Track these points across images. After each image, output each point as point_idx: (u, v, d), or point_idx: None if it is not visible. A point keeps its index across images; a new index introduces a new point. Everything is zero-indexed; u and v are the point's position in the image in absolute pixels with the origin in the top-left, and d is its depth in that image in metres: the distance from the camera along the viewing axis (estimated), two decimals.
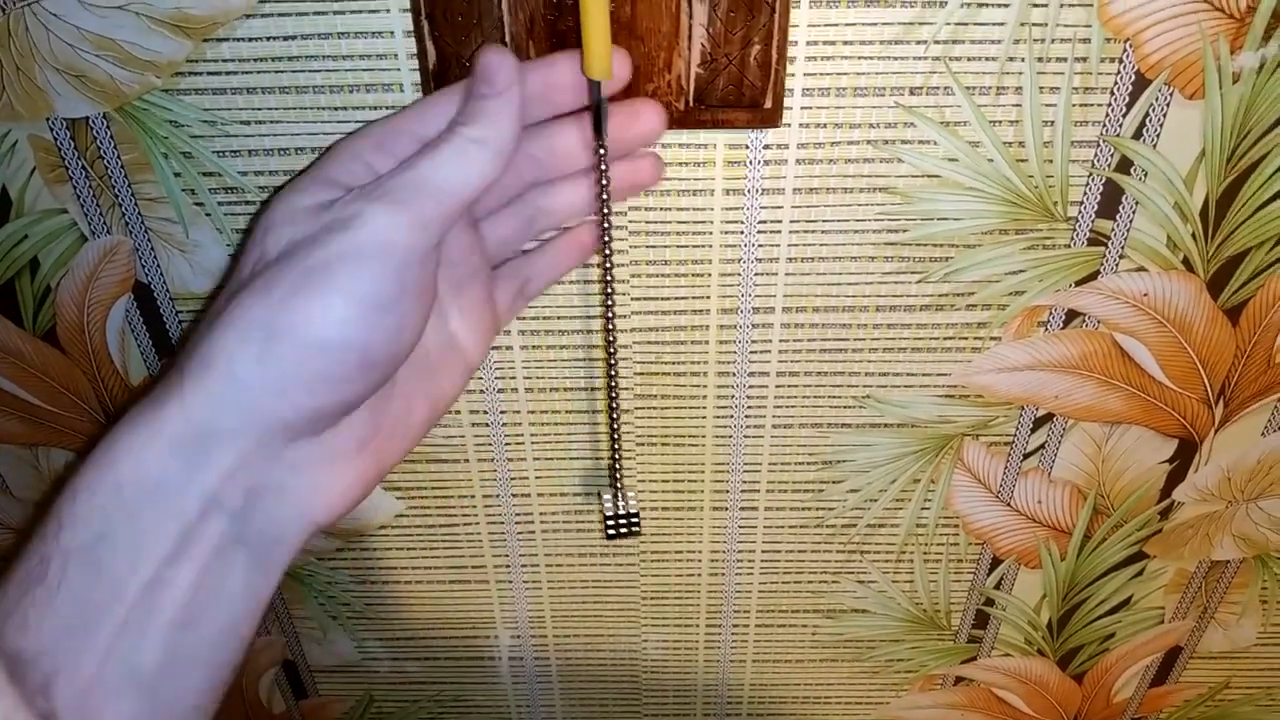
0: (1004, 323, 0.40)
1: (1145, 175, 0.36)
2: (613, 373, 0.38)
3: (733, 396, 0.43)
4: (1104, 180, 0.37)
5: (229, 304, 0.28)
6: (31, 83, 0.34)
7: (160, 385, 0.28)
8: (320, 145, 0.36)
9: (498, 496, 0.47)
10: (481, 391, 0.43)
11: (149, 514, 0.27)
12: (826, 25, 0.33)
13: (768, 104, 0.34)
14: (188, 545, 0.27)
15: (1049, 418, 0.44)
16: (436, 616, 0.51)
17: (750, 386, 0.42)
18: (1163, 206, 0.37)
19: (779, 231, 0.38)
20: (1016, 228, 0.38)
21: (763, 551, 0.49)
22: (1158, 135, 0.35)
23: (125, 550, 0.27)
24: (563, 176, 0.35)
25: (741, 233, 0.38)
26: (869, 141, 0.36)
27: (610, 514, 0.42)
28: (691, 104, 0.34)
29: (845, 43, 0.33)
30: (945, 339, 0.41)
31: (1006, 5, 0.33)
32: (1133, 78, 0.34)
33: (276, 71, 0.34)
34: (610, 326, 0.37)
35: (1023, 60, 0.34)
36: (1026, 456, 0.45)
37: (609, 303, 0.37)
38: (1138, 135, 0.35)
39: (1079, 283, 0.39)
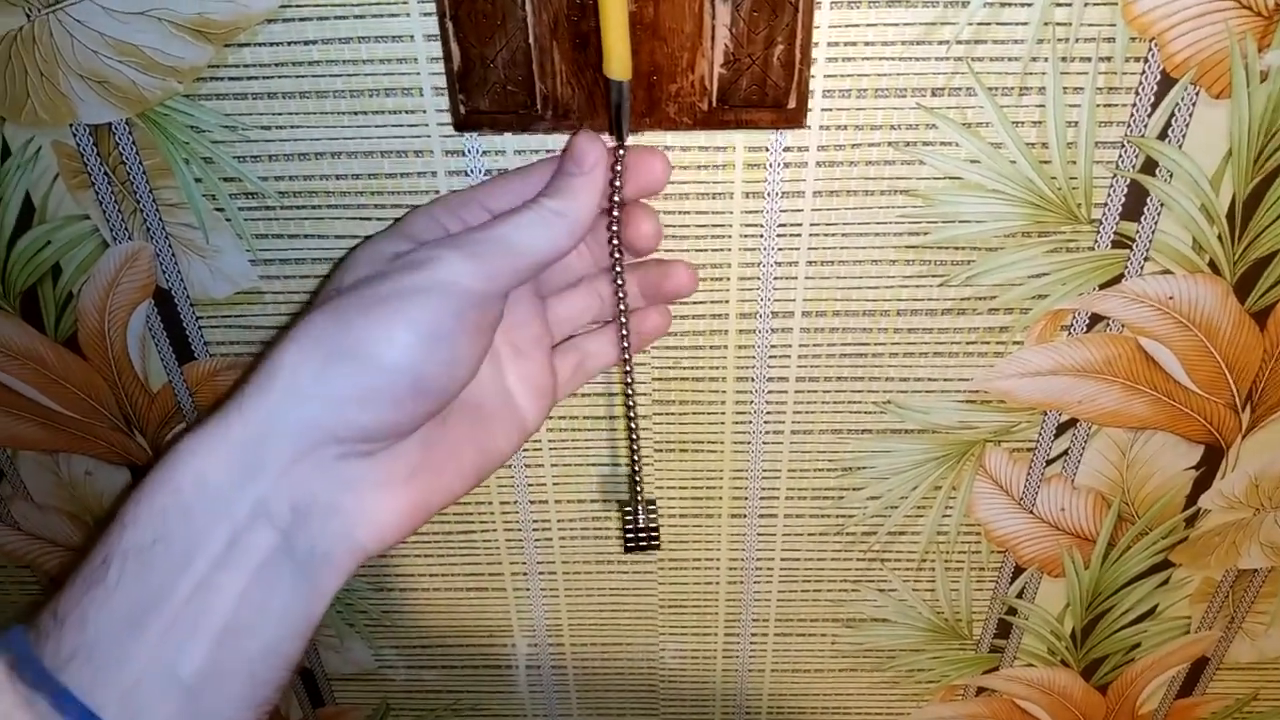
0: (1026, 327, 0.40)
1: (1171, 176, 0.36)
2: (629, 379, 0.38)
3: (751, 402, 0.43)
4: (1128, 182, 0.36)
5: (299, 324, 0.30)
6: (55, 89, 0.35)
7: (228, 398, 0.29)
8: (340, 150, 0.36)
9: (515, 503, 0.46)
10: None
11: (202, 516, 0.28)
12: (847, 25, 0.33)
13: (791, 104, 0.34)
14: (236, 552, 0.28)
15: (1072, 423, 0.43)
16: (453, 624, 0.51)
17: (769, 392, 0.42)
18: (1188, 208, 0.37)
19: (799, 235, 0.38)
20: (1039, 230, 0.37)
21: (782, 559, 0.48)
22: (1183, 136, 0.35)
23: (178, 550, 0.28)
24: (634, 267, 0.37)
25: (761, 236, 0.38)
26: (890, 143, 0.35)
27: (630, 528, 0.42)
28: (715, 104, 0.34)
29: (866, 43, 0.33)
30: (967, 343, 0.40)
31: (1030, 4, 0.32)
32: (1158, 77, 0.34)
33: (298, 76, 0.34)
34: (626, 344, 0.37)
35: (1046, 60, 0.33)
36: (1049, 463, 0.44)
37: (623, 320, 0.37)
38: (1163, 136, 0.35)
39: (1103, 286, 0.39)
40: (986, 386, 0.42)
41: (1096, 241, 0.38)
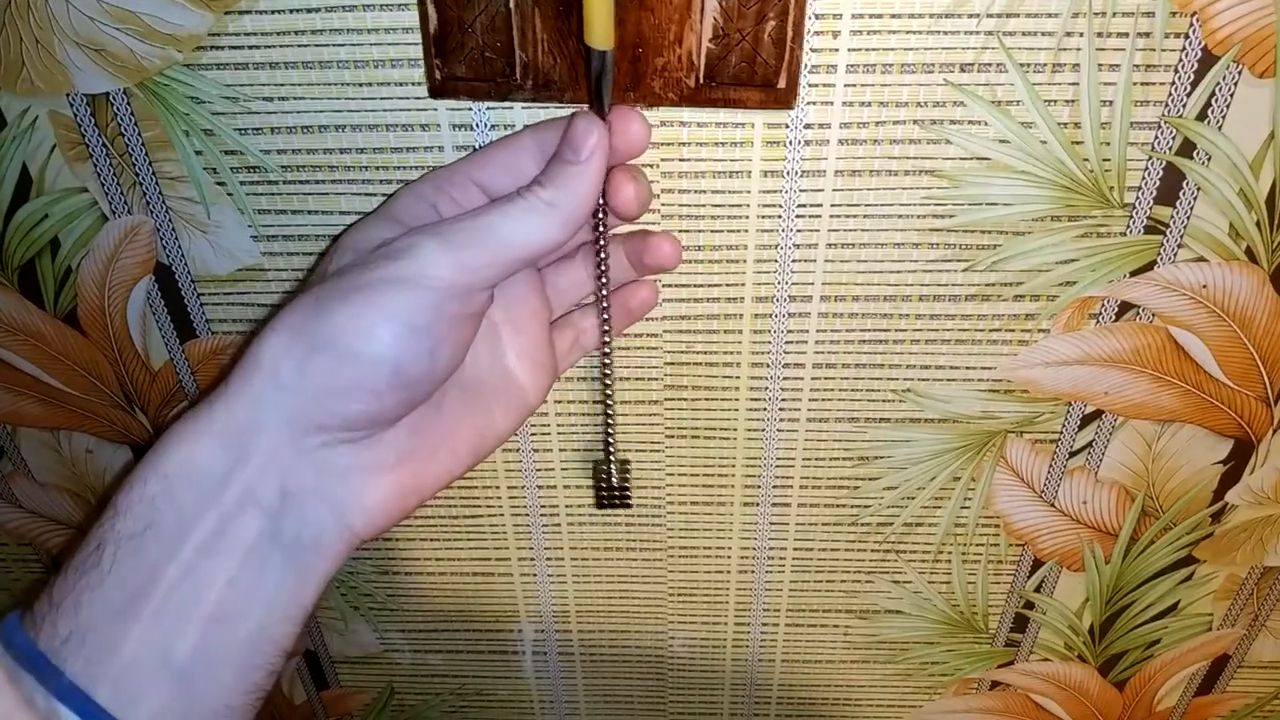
0: (1053, 314, 0.39)
1: (1209, 159, 0.34)
2: (606, 339, 0.37)
3: (766, 389, 0.41)
4: (1164, 164, 0.35)
5: (282, 312, 0.30)
6: (51, 57, 0.34)
7: (215, 387, 0.30)
8: (344, 123, 0.35)
9: (523, 487, 0.45)
10: None
11: (191, 502, 0.28)
12: None
13: (781, 84, 0.32)
14: (225, 537, 0.29)
15: (1097, 415, 0.42)
16: (459, 608, 0.51)
17: (785, 378, 0.41)
18: (1226, 193, 0.35)
19: (819, 216, 0.36)
20: (1069, 214, 0.36)
21: (794, 549, 0.47)
22: (1223, 117, 0.33)
23: (168, 537, 0.28)
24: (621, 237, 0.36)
25: (779, 217, 0.36)
26: (915, 121, 0.34)
27: (604, 486, 0.41)
28: (702, 81, 0.32)
29: (893, 15, 0.32)
30: (991, 331, 0.39)
31: None
32: (1199, 55, 0.32)
33: (300, 46, 0.33)
34: (605, 307, 0.36)
35: (1081, 35, 0.32)
36: (1073, 455, 0.43)
37: (603, 293, 0.35)
38: (1202, 116, 0.33)
39: (1134, 273, 0.37)
40: (1010, 375, 0.40)
41: (1129, 227, 0.36)
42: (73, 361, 0.42)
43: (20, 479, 0.47)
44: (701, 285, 0.38)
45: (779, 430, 0.43)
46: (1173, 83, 0.33)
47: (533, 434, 0.43)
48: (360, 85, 0.34)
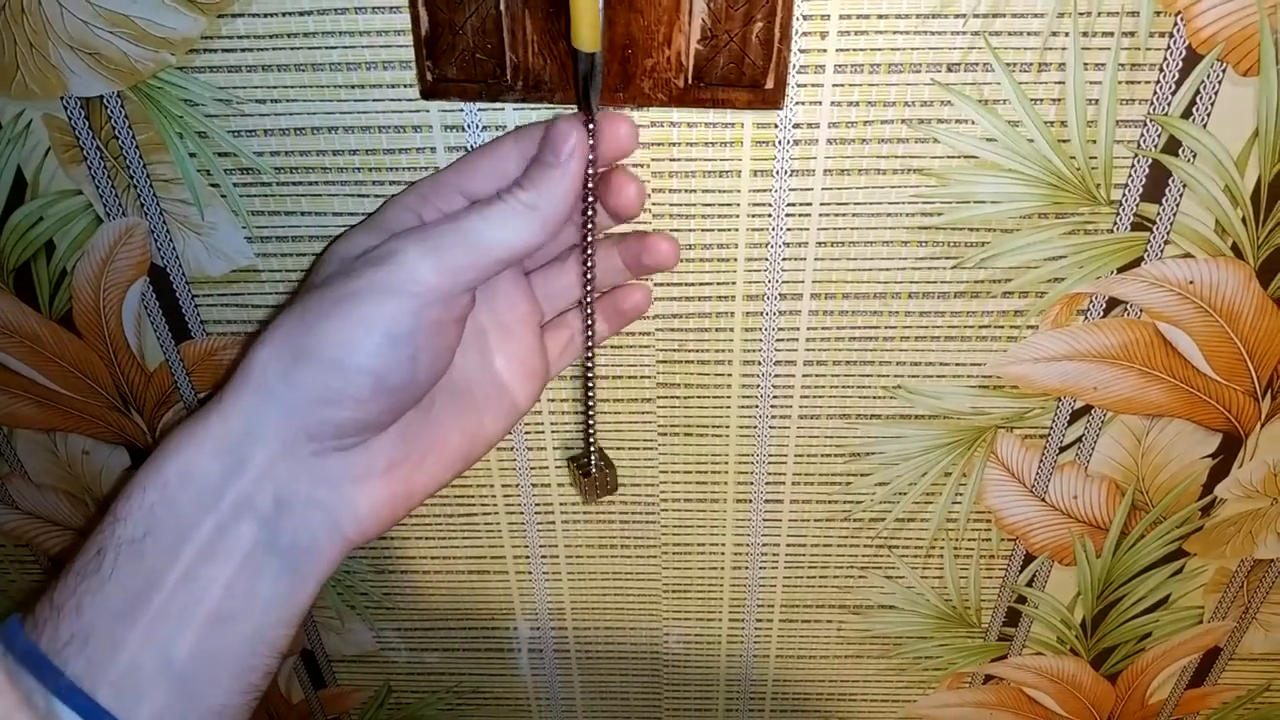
0: (1042, 311, 0.39)
1: (1194, 157, 0.35)
2: (589, 336, 0.37)
3: (758, 386, 0.42)
4: (1150, 162, 0.35)
5: (272, 323, 0.31)
6: (45, 60, 0.34)
7: (213, 394, 0.31)
8: (336, 125, 0.35)
9: (517, 486, 0.46)
10: None
11: (189, 509, 0.29)
12: None
13: (769, 84, 0.33)
14: (222, 543, 0.29)
15: (1087, 410, 0.42)
16: (455, 607, 0.51)
17: (776, 375, 0.41)
18: (1212, 190, 0.36)
19: (808, 215, 0.37)
20: (1057, 211, 0.36)
21: (788, 545, 0.48)
22: (1208, 114, 0.34)
23: (167, 543, 0.29)
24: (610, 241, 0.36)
25: (769, 216, 0.37)
26: (903, 120, 0.34)
27: (584, 476, 0.42)
28: (690, 81, 0.33)
29: (880, 16, 0.32)
30: (980, 327, 0.39)
31: None
32: (1183, 53, 0.32)
33: (293, 49, 0.33)
34: (589, 310, 0.36)
35: (1067, 35, 0.32)
36: (1063, 450, 0.43)
37: (588, 294, 0.36)
38: (1187, 114, 0.34)
39: (1121, 269, 0.38)
40: (999, 372, 0.41)
41: (1115, 223, 0.36)
42: (68, 363, 0.42)
43: (17, 480, 0.47)
44: (693, 284, 0.39)
45: (771, 427, 0.43)
46: (1158, 81, 0.33)
47: (527, 433, 0.44)
48: (352, 87, 0.34)
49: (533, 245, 0.31)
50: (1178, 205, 0.36)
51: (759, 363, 0.41)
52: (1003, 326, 0.39)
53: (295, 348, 0.29)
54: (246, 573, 0.30)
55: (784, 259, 0.38)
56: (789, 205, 0.36)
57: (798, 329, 0.40)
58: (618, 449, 0.44)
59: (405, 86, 0.34)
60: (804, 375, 0.41)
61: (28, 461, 0.46)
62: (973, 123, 0.34)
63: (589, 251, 0.34)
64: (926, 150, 0.35)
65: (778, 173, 0.36)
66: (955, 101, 0.34)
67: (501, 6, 0.31)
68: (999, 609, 0.50)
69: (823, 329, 0.40)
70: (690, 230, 0.37)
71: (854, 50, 0.33)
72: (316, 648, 0.53)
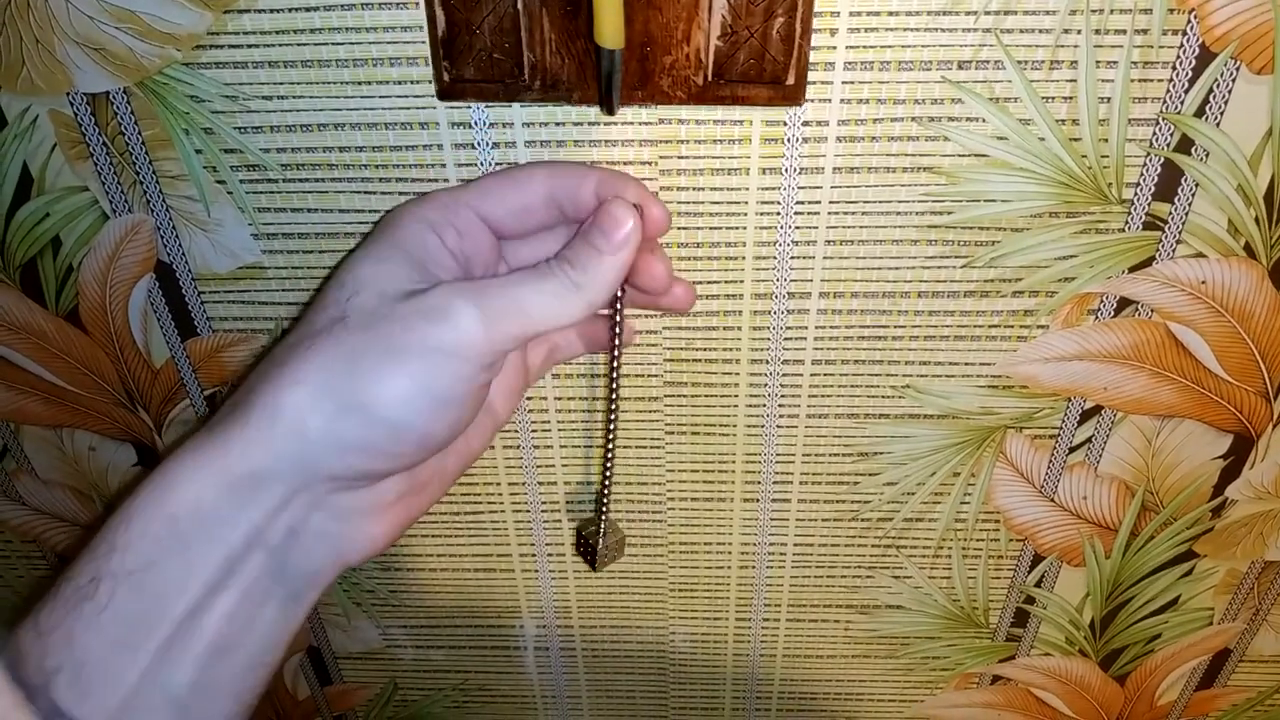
0: (1052, 310, 0.39)
1: (1206, 156, 0.34)
2: (614, 403, 0.38)
3: (766, 385, 0.41)
4: (1162, 161, 0.35)
5: (304, 355, 0.29)
6: (51, 56, 0.34)
7: (221, 421, 0.29)
8: (343, 121, 0.35)
9: (524, 484, 0.46)
10: None
11: (198, 545, 0.28)
12: None
13: (790, 80, 0.32)
14: (230, 576, 0.29)
15: (1097, 410, 0.42)
16: (461, 604, 0.51)
17: (784, 375, 0.41)
18: (1224, 189, 0.35)
19: (817, 213, 0.36)
20: (1068, 210, 0.36)
21: (795, 545, 0.47)
22: (1221, 113, 0.33)
23: (174, 577, 0.28)
24: None
25: (778, 214, 0.36)
26: (914, 118, 0.34)
27: (589, 545, 0.43)
28: (710, 78, 0.32)
29: (890, 13, 0.32)
30: (990, 327, 0.39)
31: None
32: (1196, 51, 0.32)
33: (299, 45, 0.33)
34: (613, 400, 0.37)
35: (1079, 33, 0.32)
36: (1072, 450, 0.43)
37: (615, 364, 0.36)
38: (1200, 113, 0.33)
39: (1132, 269, 0.37)
40: (1009, 371, 0.40)
41: (1127, 223, 0.36)
42: (74, 359, 0.42)
43: (24, 477, 0.47)
44: (701, 282, 0.38)
45: (778, 426, 0.43)
46: (1170, 79, 0.33)
47: (533, 431, 0.44)
48: (359, 84, 0.34)
49: (575, 322, 0.31)
50: (1190, 204, 0.36)
51: (767, 361, 0.41)
52: (1013, 326, 0.39)
53: (342, 396, 0.29)
54: (249, 602, 0.29)
55: (792, 257, 0.38)
56: (798, 203, 0.36)
57: (806, 328, 0.40)
58: (625, 447, 0.44)
59: (411, 83, 0.34)
60: (812, 374, 0.41)
61: (34, 458, 0.46)
62: (983, 121, 0.34)
63: (618, 312, 0.35)
64: (937, 148, 0.35)
65: (786, 170, 0.35)
66: (966, 99, 0.33)
67: (519, 5, 0.31)
68: (1007, 609, 0.50)
69: (831, 328, 0.39)
70: (698, 228, 0.37)
71: (864, 47, 0.33)
72: (323, 645, 0.53)
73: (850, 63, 0.33)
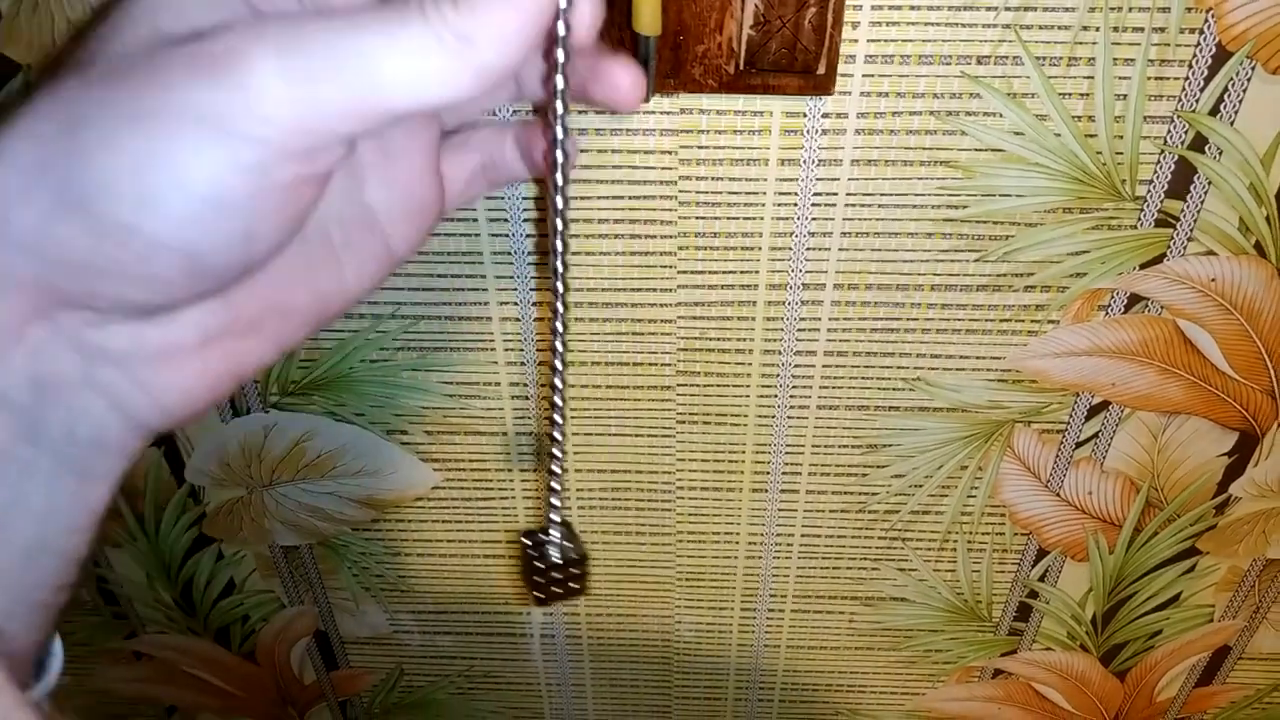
0: (1063, 305, 0.39)
1: (1220, 154, 0.35)
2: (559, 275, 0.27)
3: (778, 375, 0.42)
4: (1175, 158, 0.35)
5: (22, 116, 0.20)
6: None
7: None
8: None
9: (535, 470, 0.46)
10: (522, 364, 0.42)
11: None
12: None
13: (821, 70, 0.33)
14: None
15: (1104, 406, 0.42)
16: (469, 591, 0.51)
17: (796, 365, 0.41)
18: (1237, 187, 0.36)
19: (834, 205, 0.37)
20: (1081, 206, 0.36)
21: (802, 536, 0.48)
22: (1236, 112, 0.34)
23: None
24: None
25: (795, 205, 0.37)
26: (931, 112, 0.34)
27: (541, 566, 0.32)
28: (742, 67, 0.33)
29: (911, 8, 0.32)
30: (1001, 321, 0.40)
31: None
32: (1213, 50, 0.33)
33: None
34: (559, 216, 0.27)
35: (1097, 30, 0.32)
36: (1079, 445, 0.44)
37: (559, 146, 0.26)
38: (1215, 111, 0.34)
39: (1144, 266, 0.38)
40: (1019, 366, 0.41)
41: (1139, 219, 0.37)
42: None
43: None
44: (716, 271, 0.39)
45: (789, 417, 0.43)
46: (1186, 77, 0.33)
47: (547, 417, 0.44)
48: None
49: (459, 99, 0.21)
50: (1202, 202, 0.36)
51: (779, 352, 0.41)
52: (1023, 320, 0.39)
53: (58, 186, 0.19)
54: (6, 477, 0.22)
55: (808, 249, 0.38)
56: (815, 195, 0.37)
57: (819, 319, 0.40)
58: (636, 435, 0.44)
59: None
60: (824, 365, 0.41)
61: None
62: (1001, 116, 0.34)
63: (559, 142, 0.25)
64: (953, 143, 0.35)
65: (805, 162, 0.36)
66: (984, 94, 0.34)
67: None
68: (1010, 603, 0.50)
69: (844, 319, 0.40)
70: (716, 218, 0.37)
71: (885, 41, 0.33)
72: (330, 629, 0.54)
73: (871, 56, 0.33)
